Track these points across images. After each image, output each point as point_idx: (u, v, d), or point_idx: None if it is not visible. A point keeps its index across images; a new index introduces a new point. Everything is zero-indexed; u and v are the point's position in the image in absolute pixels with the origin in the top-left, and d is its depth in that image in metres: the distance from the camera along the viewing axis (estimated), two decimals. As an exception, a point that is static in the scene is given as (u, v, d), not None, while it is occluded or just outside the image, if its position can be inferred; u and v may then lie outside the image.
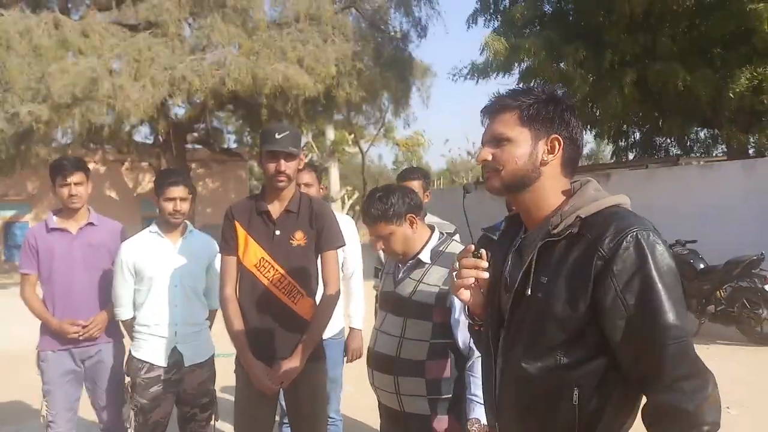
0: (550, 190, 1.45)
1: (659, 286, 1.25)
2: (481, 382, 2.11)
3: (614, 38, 11.89)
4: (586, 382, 1.33)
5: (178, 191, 3.04)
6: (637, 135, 16.43)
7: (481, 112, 1.54)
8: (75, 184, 3.17)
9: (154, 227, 3.14)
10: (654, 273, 1.25)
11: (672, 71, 11.08)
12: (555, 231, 1.37)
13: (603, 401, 1.35)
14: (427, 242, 2.34)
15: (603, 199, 1.39)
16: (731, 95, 10.69)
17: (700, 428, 1.22)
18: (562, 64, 11.95)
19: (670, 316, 1.24)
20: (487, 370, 1.57)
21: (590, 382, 1.33)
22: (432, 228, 2.42)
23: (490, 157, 1.46)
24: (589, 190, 1.43)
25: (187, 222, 3.23)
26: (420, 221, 2.36)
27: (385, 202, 2.27)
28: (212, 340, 3.29)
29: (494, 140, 1.46)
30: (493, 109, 1.49)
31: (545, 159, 1.43)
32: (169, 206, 3.03)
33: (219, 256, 2.83)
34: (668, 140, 16.23)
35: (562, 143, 1.44)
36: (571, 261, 1.34)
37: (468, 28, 14.99)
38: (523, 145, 1.42)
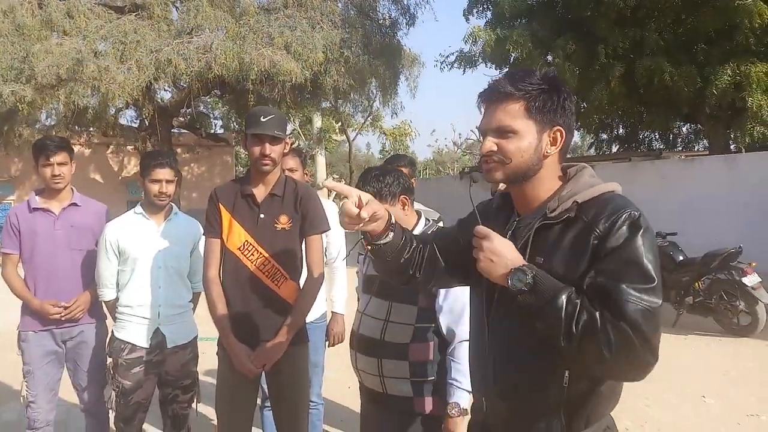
0: (548, 177, 1.48)
1: (643, 258, 1.30)
2: (462, 367, 2.16)
3: (604, 32, 11.95)
4: (577, 364, 1.35)
5: (164, 173, 3.03)
6: (621, 128, 16.59)
7: (481, 96, 1.51)
8: (58, 164, 3.15)
9: (139, 208, 3.14)
10: (641, 245, 1.31)
11: (659, 66, 11.17)
12: (552, 214, 1.40)
13: (592, 385, 1.39)
14: (414, 227, 2.37)
15: (599, 185, 1.43)
16: (714, 91, 10.80)
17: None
18: (550, 57, 11.99)
19: (647, 285, 1.28)
20: (479, 347, 1.58)
21: (581, 365, 1.35)
22: (419, 214, 2.45)
23: (495, 148, 1.45)
24: (585, 176, 1.47)
25: (173, 204, 3.22)
26: (410, 204, 2.39)
27: (381, 181, 2.32)
28: (195, 322, 3.30)
29: (499, 131, 1.44)
30: (496, 97, 1.46)
31: (548, 151, 1.45)
32: (154, 188, 3.03)
33: (203, 238, 2.83)
34: (651, 134, 16.41)
35: (563, 134, 1.45)
36: (567, 241, 1.37)
37: (467, 20, 15.03)
38: (529, 138, 1.43)
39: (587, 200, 1.40)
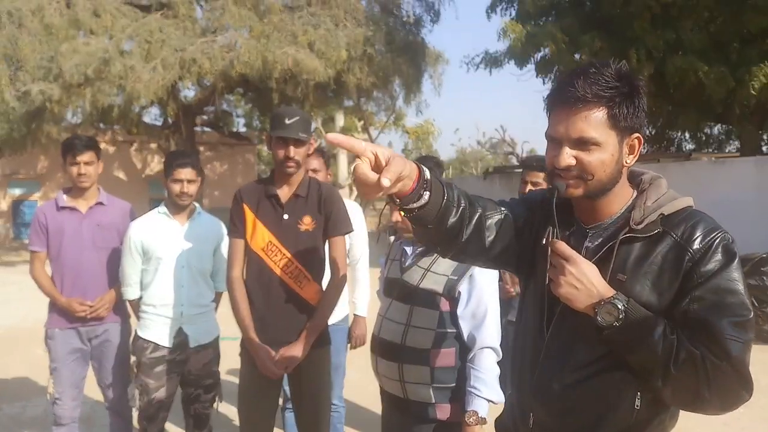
0: (622, 186, 1.38)
1: (741, 289, 1.24)
2: (482, 375, 2.11)
3: (635, 31, 11.76)
4: (647, 387, 1.29)
5: (185, 173, 3.04)
6: (650, 129, 16.35)
7: (554, 99, 1.34)
8: (85, 163, 3.18)
9: (162, 208, 3.15)
10: (738, 274, 1.25)
11: (691, 66, 10.97)
12: (639, 227, 1.30)
13: (659, 409, 1.32)
14: None
15: (680, 198, 1.36)
16: (752, 91, 10.55)
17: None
18: (577, 56, 11.84)
19: (745, 318, 1.24)
20: (529, 360, 1.46)
21: (673, 402, 1.30)
22: None
23: (574, 162, 1.30)
24: (663, 186, 1.38)
25: (196, 204, 3.23)
26: None
27: None
28: (217, 322, 3.30)
29: (578, 141, 1.29)
30: (574, 102, 1.29)
31: (627, 161, 1.34)
32: (176, 187, 3.03)
33: (227, 238, 2.82)
34: (681, 135, 16.13)
35: (641, 141, 1.35)
36: (656, 260, 1.28)
37: (488, 18, 14.95)
38: (611, 149, 1.30)
39: (670, 214, 1.31)
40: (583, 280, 1.26)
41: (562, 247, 1.31)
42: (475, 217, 1.42)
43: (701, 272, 1.23)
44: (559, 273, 1.30)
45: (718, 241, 1.26)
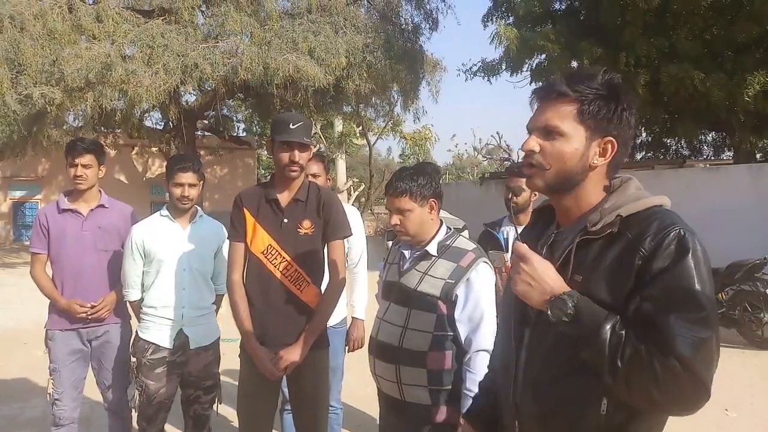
0: (592, 189, 1.38)
1: (693, 284, 1.19)
2: (477, 377, 2.15)
3: (629, 39, 11.84)
4: (622, 397, 1.25)
5: (186, 177, 3.08)
6: (645, 135, 16.41)
7: (535, 93, 1.42)
8: (83, 165, 3.21)
9: (164, 211, 3.19)
10: (690, 268, 1.20)
11: (687, 73, 11.03)
12: (593, 228, 1.31)
13: (632, 414, 1.28)
14: (435, 235, 2.37)
15: (645, 198, 1.33)
16: (747, 99, 10.62)
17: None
18: (574, 63, 11.91)
19: (697, 314, 1.17)
20: (507, 368, 1.49)
21: (630, 401, 1.24)
22: (441, 222, 2.46)
23: (537, 148, 1.36)
24: (630, 188, 1.37)
25: (198, 207, 3.28)
26: (437, 210, 2.40)
27: (414, 180, 2.32)
28: (218, 324, 3.34)
29: (545, 130, 1.35)
30: (549, 94, 1.36)
31: (595, 162, 1.35)
32: (177, 191, 3.08)
33: (227, 241, 2.87)
34: (677, 142, 16.20)
35: (615, 146, 1.35)
36: (609, 260, 1.28)
37: (484, 27, 15.02)
38: (575, 144, 1.33)
39: (632, 214, 1.29)
40: (536, 278, 1.30)
41: (519, 247, 1.35)
42: None
43: (652, 269, 1.21)
44: (515, 272, 1.34)
45: (671, 236, 1.22)
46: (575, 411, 1.32)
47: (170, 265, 3.10)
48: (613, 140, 1.34)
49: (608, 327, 1.20)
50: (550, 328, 1.30)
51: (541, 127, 1.36)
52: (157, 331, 3.11)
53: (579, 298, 1.25)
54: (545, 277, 1.30)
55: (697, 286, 1.19)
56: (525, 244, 1.37)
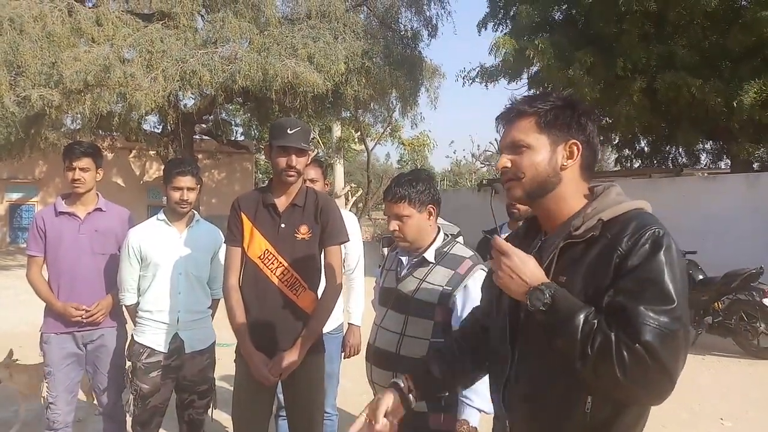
0: (571, 194, 1.47)
1: (663, 277, 1.25)
2: (481, 384, 2.15)
3: (625, 46, 11.89)
4: (600, 390, 1.31)
5: (185, 181, 3.08)
6: (644, 144, 16.46)
7: (498, 119, 1.55)
8: (80, 169, 3.21)
9: (161, 215, 3.19)
10: (662, 263, 1.26)
11: (684, 82, 11.08)
12: (576, 233, 1.39)
13: (616, 412, 1.34)
14: (432, 242, 2.38)
15: (626, 203, 1.41)
16: (744, 106, 10.66)
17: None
18: (570, 71, 11.95)
19: (665, 306, 1.23)
20: (499, 370, 1.55)
21: (600, 388, 1.30)
22: (438, 229, 2.46)
23: (509, 164, 1.47)
24: (611, 194, 1.45)
25: (195, 212, 3.28)
26: (436, 216, 2.40)
27: (413, 186, 2.32)
28: (214, 328, 3.34)
29: (513, 147, 1.47)
30: (510, 116, 1.51)
31: (565, 164, 1.45)
32: (175, 195, 3.08)
33: (224, 246, 2.87)
34: (675, 150, 16.25)
35: (580, 148, 1.45)
36: (590, 260, 1.35)
37: (479, 32, 15.11)
38: (542, 151, 1.44)
39: (612, 218, 1.37)
40: (516, 271, 1.37)
41: (499, 242, 1.42)
42: (477, 334, 1.73)
43: (627, 266, 1.28)
44: (496, 266, 1.42)
45: (647, 235, 1.29)
46: (563, 410, 1.38)
47: (166, 269, 3.10)
48: (577, 143, 1.45)
49: (582, 316, 1.27)
50: (532, 336, 1.37)
51: (509, 144, 1.49)
52: (152, 334, 3.10)
53: (556, 289, 1.33)
54: (525, 269, 1.38)
55: (668, 280, 1.25)
56: (504, 239, 1.45)
